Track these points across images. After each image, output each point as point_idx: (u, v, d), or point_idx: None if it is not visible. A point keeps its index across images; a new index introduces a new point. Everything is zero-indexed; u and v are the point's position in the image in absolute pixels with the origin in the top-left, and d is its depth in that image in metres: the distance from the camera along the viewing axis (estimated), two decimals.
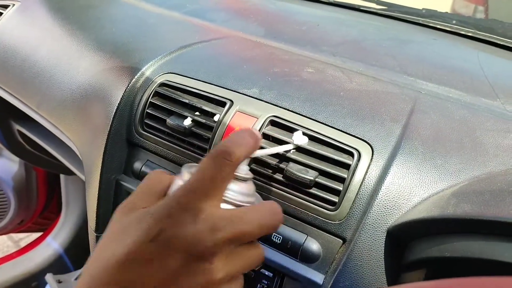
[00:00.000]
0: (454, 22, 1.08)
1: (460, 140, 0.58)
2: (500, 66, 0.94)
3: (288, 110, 0.63)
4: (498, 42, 1.00)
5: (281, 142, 0.60)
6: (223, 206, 0.40)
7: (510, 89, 0.79)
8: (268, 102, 0.64)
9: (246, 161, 0.42)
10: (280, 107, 0.63)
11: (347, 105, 0.63)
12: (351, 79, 0.72)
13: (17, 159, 1.44)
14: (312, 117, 0.61)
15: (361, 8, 1.19)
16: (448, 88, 0.74)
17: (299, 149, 0.59)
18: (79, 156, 0.83)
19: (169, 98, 0.69)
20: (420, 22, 1.10)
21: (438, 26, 1.08)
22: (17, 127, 1.22)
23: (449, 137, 0.59)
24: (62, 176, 1.51)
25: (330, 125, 0.60)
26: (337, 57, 0.83)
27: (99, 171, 0.73)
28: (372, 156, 0.56)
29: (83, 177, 0.84)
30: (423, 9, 1.15)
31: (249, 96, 0.66)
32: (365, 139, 0.58)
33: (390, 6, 1.19)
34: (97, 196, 0.74)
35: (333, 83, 0.70)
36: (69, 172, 1.43)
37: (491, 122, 0.63)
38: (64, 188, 1.52)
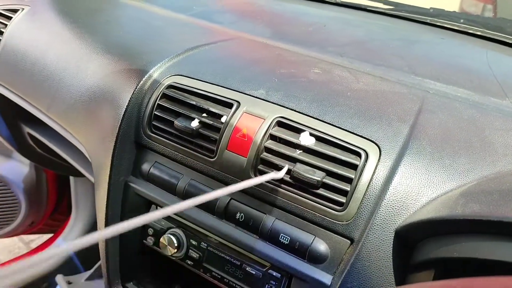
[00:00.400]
0: (462, 21, 1.07)
1: (468, 139, 0.58)
2: (509, 65, 0.94)
3: (295, 111, 0.63)
4: (507, 40, 1.00)
5: (288, 143, 0.60)
6: None
7: None
8: (275, 103, 0.64)
9: None
10: (287, 108, 0.63)
11: (354, 106, 0.63)
12: (358, 79, 0.72)
13: (27, 161, 1.46)
14: (319, 118, 0.61)
15: (368, 8, 1.19)
16: (456, 87, 0.74)
17: (306, 149, 0.59)
18: (88, 158, 0.84)
19: (177, 100, 0.70)
20: (428, 21, 1.10)
21: (446, 25, 1.07)
22: (27, 129, 1.23)
23: (458, 137, 0.58)
24: (71, 178, 1.52)
25: (337, 125, 0.60)
26: (344, 58, 0.83)
27: (108, 173, 0.73)
28: (379, 157, 0.56)
29: (92, 179, 0.85)
30: (430, 8, 1.15)
31: (256, 97, 0.66)
32: (372, 139, 0.57)
33: (397, 5, 1.19)
34: (106, 197, 0.74)
35: (340, 84, 0.70)
36: (78, 174, 1.44)
37: (500, 121, 0.63)
38: (73, 189, 1.54)
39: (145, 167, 0.73)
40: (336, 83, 0.70)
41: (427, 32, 1.07)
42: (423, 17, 1.11)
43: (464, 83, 0.76)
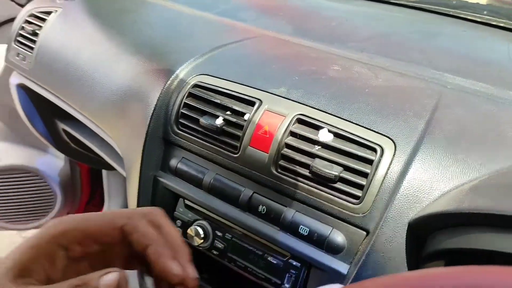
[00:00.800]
0: (485, 12, 1.07)
1: (484, 134, 0.59)
2: None
3: (315, 108, 0.65)
4: None
5: (307, 139, 0.63)
6: None
7: None
8: (295, 101, 0.67)
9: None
10: (307, 105, 0.66)
11: (372, 102, 0.65)
12: (377, 75, 0.74)
13: (62, 156, 1.53)
14: (337, 115, 0.63)
15: (391, 1, 1.19)
16: (475, 81, 0.75)
17: (324, 145, 0.62)
18: (120, 153, 0.89)
19: (202, 98, 0.73)
20: (451, 13, 1.09)
21: (469, 17, 1.07)
22: (62, 126, 1.29)
23: (473, 132, 0.60)
24: (104, 171, 1.59)
25: (355, 122, 0.62)
26: (364, 53, 0.85)
27: (139, 168, 0.78)
28: (394, 152, 0.58)
29: (123, 173, 0.90)
30: None
31: (277, 95, 0.69)
32: (388, 135, 0.60)
33: None
34: (137, 191, 0.79)
35: (359, 80, 0.72)
36: (110, 168, 1.51)
37: None
38: (106, 182, 1.60)
39: (173, 162, 0.77)
40: (355, 80, 0.72)
41: (448, 24, 1.07)
42: (445, 9, 1.10)
43: (483, 76, 0.77)
